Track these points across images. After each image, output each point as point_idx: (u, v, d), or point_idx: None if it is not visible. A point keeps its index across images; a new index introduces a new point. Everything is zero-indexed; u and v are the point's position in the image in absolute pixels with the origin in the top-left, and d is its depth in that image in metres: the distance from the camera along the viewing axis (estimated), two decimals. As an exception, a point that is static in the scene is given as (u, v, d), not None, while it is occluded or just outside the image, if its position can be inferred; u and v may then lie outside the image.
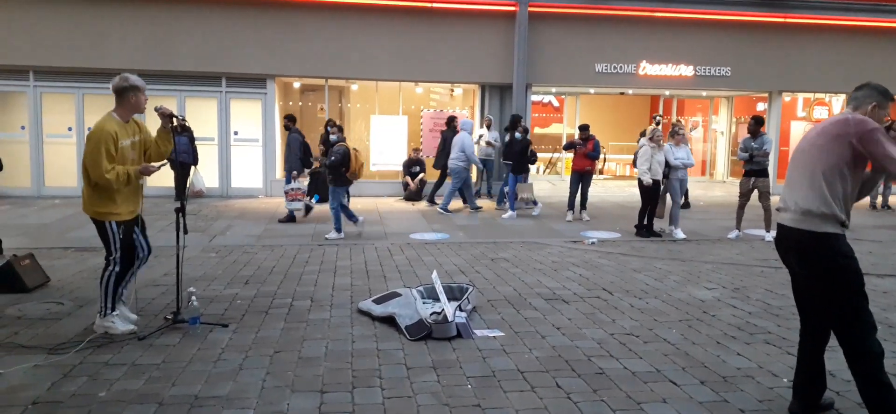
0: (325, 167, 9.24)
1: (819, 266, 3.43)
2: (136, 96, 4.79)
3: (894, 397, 3.30)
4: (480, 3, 14.18)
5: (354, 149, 9.33)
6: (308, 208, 11.11)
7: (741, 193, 9.65)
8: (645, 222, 9.77)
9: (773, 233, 9.58)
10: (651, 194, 9.64)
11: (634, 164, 10.05)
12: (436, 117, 14.97)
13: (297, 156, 10.71)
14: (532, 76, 14.54)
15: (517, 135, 11.76)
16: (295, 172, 10.64)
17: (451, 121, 12.92)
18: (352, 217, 9.41)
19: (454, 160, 12.11)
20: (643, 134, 10.04)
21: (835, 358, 3.60)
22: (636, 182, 9.85)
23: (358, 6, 13.84)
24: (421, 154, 14.36)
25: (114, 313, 4.88)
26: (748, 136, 9.54)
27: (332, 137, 9.51)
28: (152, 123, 4.96)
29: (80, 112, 13.56)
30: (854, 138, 3.27)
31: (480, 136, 14.05)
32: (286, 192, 10.74)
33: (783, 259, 3.64)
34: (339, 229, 9.22)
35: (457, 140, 12.19)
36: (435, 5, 14.00)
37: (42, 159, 13.61)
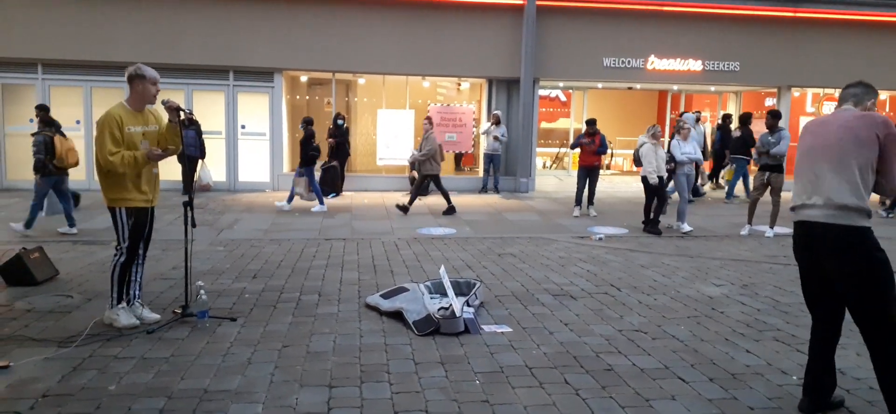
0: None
1: (854, 261, 3.34)
2: (142, 85, 4.83)
3: None
4: (488, -4, 14.15)
5: (62, 136, 8.85)
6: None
7: (754, 187, 9.58)
8: (651, 216, 9.78)
9: (777, 229, 9.57)
10: (656, 191, 9.64)
11: (635, 161, 10.03)
12: (443, 112, 14.94)
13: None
14: (539, 70, 14.49)
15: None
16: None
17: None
18: (69, 217, 8.88)
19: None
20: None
21: (844, 356, 3.58)
22: (641, 178, 9.81)
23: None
24: (428, 148, 14.33)
25: (119, 306, 4.91)
26: (766, 131, 9.36)
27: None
28: (163, 119, 5.00)
29: (89, 105, 13.60)
30: (881, 137, 3.32)
31: (487, 130, 14.03)
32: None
33: (800, 255, 3.57)
34: (28, 224, 8.73)
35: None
36: (442, -1, 13.99)
37: (51, 152, 13.63)
